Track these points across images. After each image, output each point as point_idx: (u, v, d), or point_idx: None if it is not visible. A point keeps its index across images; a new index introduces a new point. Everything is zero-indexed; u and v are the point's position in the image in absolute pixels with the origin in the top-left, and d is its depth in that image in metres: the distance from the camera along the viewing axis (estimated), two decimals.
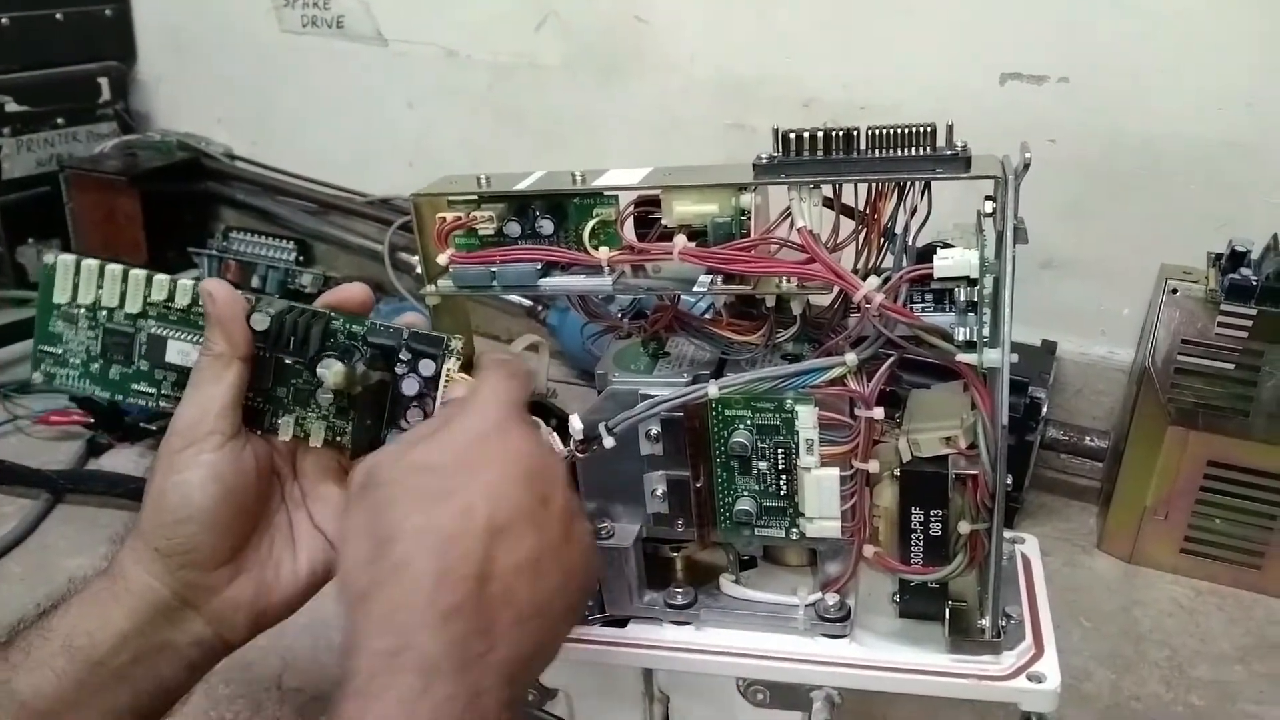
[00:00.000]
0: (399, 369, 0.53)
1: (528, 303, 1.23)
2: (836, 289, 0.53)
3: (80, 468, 1.01)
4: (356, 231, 1.36)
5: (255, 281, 1.35)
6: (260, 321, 0.52)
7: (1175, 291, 0.87)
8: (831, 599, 0.58)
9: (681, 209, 0.53)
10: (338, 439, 0.54)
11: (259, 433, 0.54)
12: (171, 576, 0.51)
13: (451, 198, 0.58)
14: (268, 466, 0.54)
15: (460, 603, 0.40)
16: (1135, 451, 0.92)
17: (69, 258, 0.54)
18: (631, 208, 0.56)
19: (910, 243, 0.53)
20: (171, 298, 0.54)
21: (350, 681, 0.39)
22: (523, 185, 0.56)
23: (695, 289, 0.54)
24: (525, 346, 0.63)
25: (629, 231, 0.56)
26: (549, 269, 0.56)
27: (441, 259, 0.57)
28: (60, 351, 0.54)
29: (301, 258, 1.38)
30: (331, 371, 0.51)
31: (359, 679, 0.39)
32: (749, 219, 0.53)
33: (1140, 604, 0.88)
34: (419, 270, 1.29)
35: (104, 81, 1.45)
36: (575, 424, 0.54)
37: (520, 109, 1.26)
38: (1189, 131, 0.96)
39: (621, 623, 0.60)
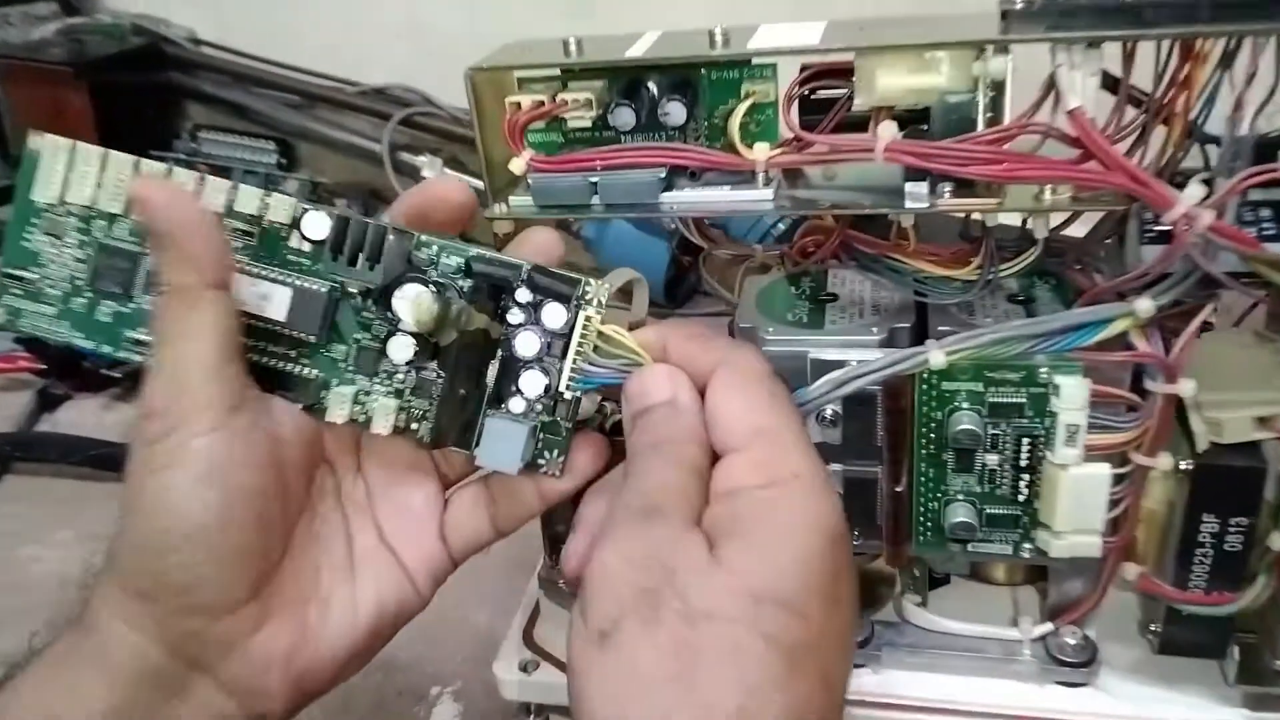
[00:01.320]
0: (513, 316, 0.34)
1: None
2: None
3: (29, 428, 0.83)
4: (348, 128, 1.17)
5: None
6: (317, 225, 0.34)
7: None
8: (1070, 634, 0.42)
9: (890, 82, 0.35)
10: (412, 426, 0.36)
11: (303, 408, 0.35)
12: (165, 628, 0.33)
13: (525, 73, 0.39)
14: (303, 453, 0.36)
15: None
16: None
17: (62, 140, 0.35)
18: (796, 85, 0.38)
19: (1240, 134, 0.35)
20: None
21: None
22: (634, 51, 0.38)
23: (908, 203, 0.36)
24: (619, 287, 0.44)
25: (794, 118, 0.38)
26: (672, 177, 0.38)
27: (516, 165, 0.38)
28: (36, 277, 0.35)
29: (284, 160, 1.19)
30: (413, 302, 0.33)
31: None
32: (999, 97, 0.35)
33: None
34: (427, 173, 1.07)
35: None
36: None
37: None
38: None
39: None
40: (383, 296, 0.34)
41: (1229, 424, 0.37)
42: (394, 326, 0.34)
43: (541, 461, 0.35)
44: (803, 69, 0.38)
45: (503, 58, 0.39)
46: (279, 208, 0.34)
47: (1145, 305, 0.35)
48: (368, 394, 0.35)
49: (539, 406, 0.34)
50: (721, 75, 0.37)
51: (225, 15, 1.25)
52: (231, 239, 0.34)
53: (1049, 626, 0.42)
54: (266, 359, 0.35)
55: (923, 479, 0.39)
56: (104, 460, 0.73)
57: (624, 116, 0.37)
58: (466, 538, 0.37)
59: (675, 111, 0.37)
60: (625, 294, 0.40)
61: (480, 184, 0.40)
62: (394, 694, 0.59)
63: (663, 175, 0.37)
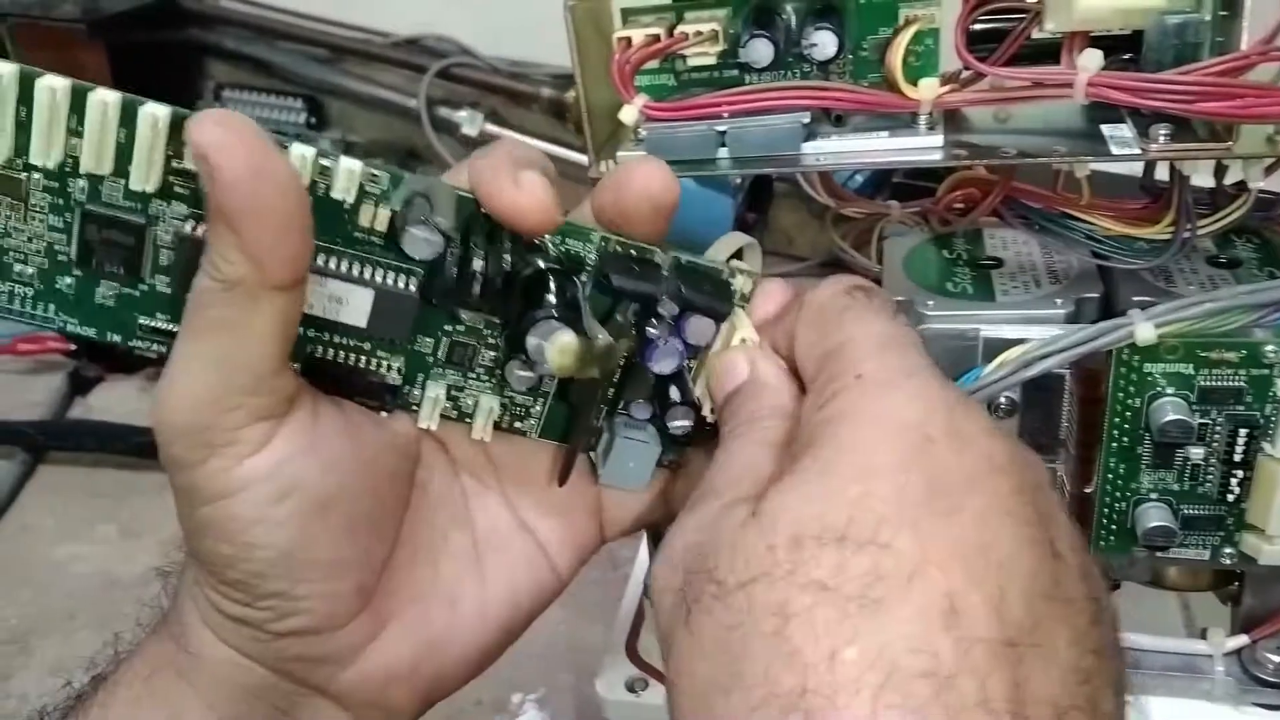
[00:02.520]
0: (651, 330, 0.28)
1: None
2: None
3: (62, 414, 0.78)
4: (380, 82, 1.11)
5: None
6: (425, 245, 0.26)
7: None
8: (1273, 650, 0.36)
9: (1093, 2, 0.29)
10: (515, 424, 0.30)
11: (382, 410, 0.29)
12: (268, 651, 0.28)
13: (630, 2, 0.33)
14: (383, 434, 0.29)
15: None
16: None
17: (8, 69, 0.25)
18: (969, 9, 0.32)
19: None
20: None
21: None
22: None
23: (1116, 150, 0.30)
24: (733, 254, 0.38)
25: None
26: (812, 124, 0.32)
27: (627, 114, 0.32)
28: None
29: (314, 119, 1.13)
30: (558, 348, 0.26)
31: None
32: (1232, 16, 0.28)
33: None
34: (467, 129, 1.00)
35: None
36: None
37: None
38: None
39: None
40: (510, 329, 0.27)
41: None
42: (509, 355, 0.28)
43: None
44: None
45: None
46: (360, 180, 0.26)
47: None
48: (461, 390, 0.29)
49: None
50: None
51: None
52: None
53: (1244, 639, 0.37)
54: (325, 350, 0.28)
55: (1110, 475, 0.33)
56: (148, 448, 0.68)
57: (760, 50, 0.31)
58: (629, 510, 0.31)
59: (825, 42, 0.31)
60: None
61: (551, 148, 0.34)
62: (471, 703, 0.54)
63: (806, 121, 0.31)
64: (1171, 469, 0.33)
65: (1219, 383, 0.31)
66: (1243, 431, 0.32)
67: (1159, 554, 0.34)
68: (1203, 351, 0.31)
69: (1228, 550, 0.34)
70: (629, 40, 0.32)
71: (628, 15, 0.33)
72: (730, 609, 0.21)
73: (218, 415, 0.25)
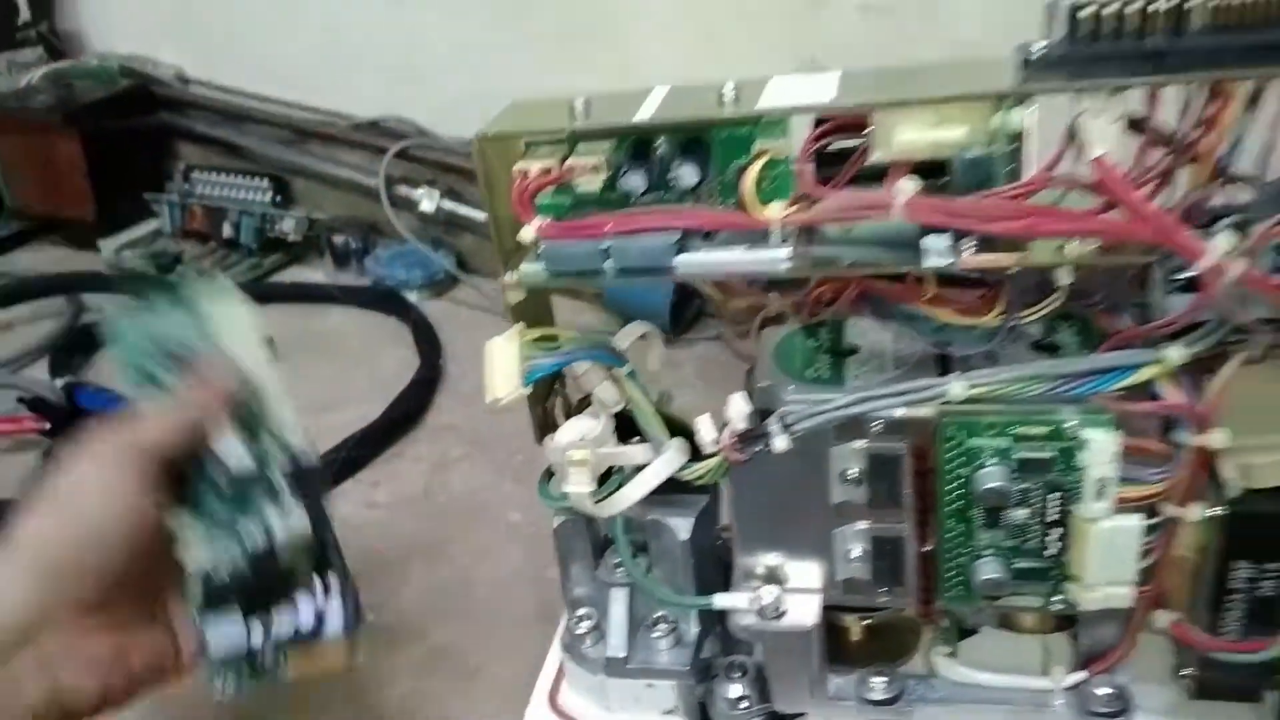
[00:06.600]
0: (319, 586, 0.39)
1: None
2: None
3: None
4: (343, 162, 1.15)
5: (228, 230, 1.14)
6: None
7: None
8: (1104, 684, 0.41)
9: (908, 137, 0.34)
10: None
11: None
12: None
13: (532, 139, 0.39)
14: None
15: None
16: None
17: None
18: (812, 141, 0.37)
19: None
20: None
21: None
22: (643, 113, 0.37)
23: (931, 260, 0.35)
24: (631, 343, 0.44)
25: (809, 175, 0.37)
26: (685, 237, 0.37)
27: (526, 234, 0.37)
28: None
29: (279, 197, 1.17)
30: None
31: None
32: (1019, 147, 0.34)
33: None
34: (425, 206, 1.05)
35: None
36: (738, 405, 0.37)
37: (525, 4, 1.04)
38: None
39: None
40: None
41: (1260, 469, 0.36)
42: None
43: None
44: (818, 122, 0.37)
45: (509, 122, 0.38)
46: None
47: (1176, 354, 0.34)
48: None
49: None
50: (733, 133, 0.37)
51: (212, 51, 1.24)
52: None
53: (1081, 675, 0.42)
54: None
55: (949, 534, 0.38)
56: None
57: (634, 181, 0.37)
58: None
59: (686, 174, 0.36)
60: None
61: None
62: None
63: (678, 237, 0.37)
64: (1000, 528, 0.38)
65: (1033, 454, 0.37)
66: (1055, 495, 0.37)
67: (996, 602, 0.39)
68: (1014, 427, 0.36)
69: (1057, 598, 0.39)
70: (526, 172, 0.37)
71: (529, 146, 0.39)
72: None
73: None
